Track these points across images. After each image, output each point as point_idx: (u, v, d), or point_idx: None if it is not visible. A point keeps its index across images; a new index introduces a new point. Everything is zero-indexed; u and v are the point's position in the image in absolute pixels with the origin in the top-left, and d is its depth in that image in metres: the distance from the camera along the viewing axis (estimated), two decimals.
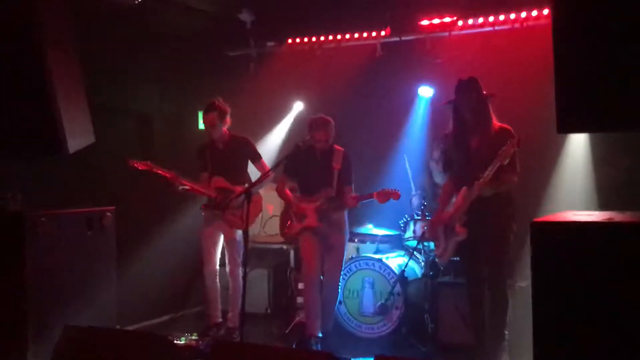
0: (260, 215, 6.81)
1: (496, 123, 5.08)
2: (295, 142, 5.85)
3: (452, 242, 5.14)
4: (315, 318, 5.87)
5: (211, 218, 6.36)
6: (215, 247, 6.38)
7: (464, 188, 5.03)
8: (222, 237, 6.39)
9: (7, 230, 4.85)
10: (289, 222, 6.10)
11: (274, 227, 7.22)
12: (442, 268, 6.45)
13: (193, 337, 5.73)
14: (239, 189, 6.12)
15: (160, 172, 6.15)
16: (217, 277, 6.42)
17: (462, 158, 5.15)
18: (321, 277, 6.02)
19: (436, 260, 5.70)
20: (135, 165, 6.12)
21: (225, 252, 6.41)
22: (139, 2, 4.59)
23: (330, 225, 5.85)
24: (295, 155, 5.75)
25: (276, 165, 5.92)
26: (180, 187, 6.19)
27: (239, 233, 6.18)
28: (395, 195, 5.69)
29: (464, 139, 5.13)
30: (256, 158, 6.44)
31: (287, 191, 6.06)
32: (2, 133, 4.06)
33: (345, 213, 5.99)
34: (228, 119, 6.35)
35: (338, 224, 5.90)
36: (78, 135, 4.19)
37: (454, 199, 5.20)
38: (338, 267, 5.99)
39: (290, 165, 5.96)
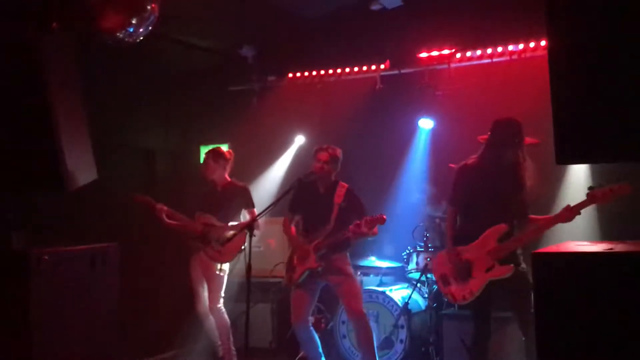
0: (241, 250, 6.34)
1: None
2: (298, 176, 5.81)
3: (482, 281, 4.88)
4: (313, 357, 5.75)
5: (195, 250, 6.41)
6: (201, 286, 6.40)
7: (500, 226, 4.86)
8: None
9: (12, 269, 4.87)
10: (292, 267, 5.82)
11: (275, 260, 7.26)
12: (446, 300, 6.40)
13: None
14: (225, 226, 6.23)
15: (156, 206, 6.32)
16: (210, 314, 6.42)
17: (485, 194, 4.99)
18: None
19: (448, 300, 5.40)
20: (137, 199, 6.32)
21: (206, 288, 6.38)
22: (141, 40, 4.64)
23: (329, 266, 5.57)
24: (298, 191, 5.64)
25: (276, 200, 5.76)
26: (168, 222, 6.36)
27: (218, 267, 6.24)
28: (381, 220, 5.33)
29: (490, 175, 4.97)
30: (250, 206, 6.41)
31: (293, 229, 5.87)
32: (6, 171, 4.10)
33: (347, 255, 5.70)
34: (229, 165, 6.44)
35: (337, 266, 5.59)
36: (81, 172, 4.23)
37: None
38: (353, 307, 5.55)
39: (294, 202, 5.84)
